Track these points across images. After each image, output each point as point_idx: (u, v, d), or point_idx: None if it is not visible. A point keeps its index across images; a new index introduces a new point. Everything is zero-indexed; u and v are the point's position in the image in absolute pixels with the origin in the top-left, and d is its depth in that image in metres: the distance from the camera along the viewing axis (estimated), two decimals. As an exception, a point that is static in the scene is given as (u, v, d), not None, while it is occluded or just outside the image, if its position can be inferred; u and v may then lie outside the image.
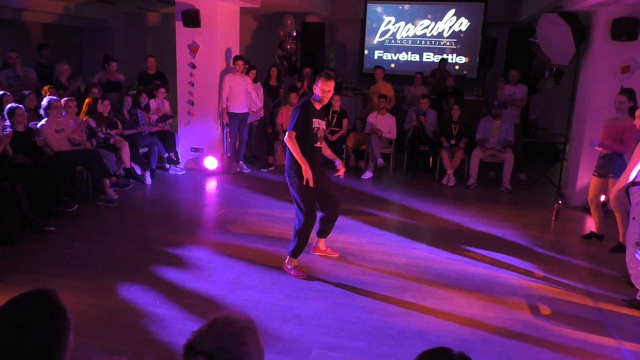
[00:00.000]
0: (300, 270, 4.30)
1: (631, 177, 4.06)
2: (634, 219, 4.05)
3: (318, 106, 4.20)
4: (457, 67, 11.79)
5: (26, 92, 6.51)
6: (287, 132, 4.08)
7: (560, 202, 6.15)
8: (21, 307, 1.29)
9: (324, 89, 4.10)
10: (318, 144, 4.24)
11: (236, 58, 7.41)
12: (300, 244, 4.26)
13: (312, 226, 4.27)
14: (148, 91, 7.70)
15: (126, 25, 12.90)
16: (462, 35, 11.83)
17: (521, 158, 8.01)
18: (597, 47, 6.21)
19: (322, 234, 4.69)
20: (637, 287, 3.99)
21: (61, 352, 1.31)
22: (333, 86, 4.16)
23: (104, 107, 6.59)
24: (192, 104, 7.63)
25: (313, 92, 4.22)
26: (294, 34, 9.95)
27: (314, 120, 4.14)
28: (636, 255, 3.95)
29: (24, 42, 11.00)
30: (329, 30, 12.01)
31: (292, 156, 4.08)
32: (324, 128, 4.33)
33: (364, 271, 4.43)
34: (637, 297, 4.00)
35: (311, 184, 4.03)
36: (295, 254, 4.31)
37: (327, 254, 4.72)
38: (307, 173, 4.00)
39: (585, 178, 6.48)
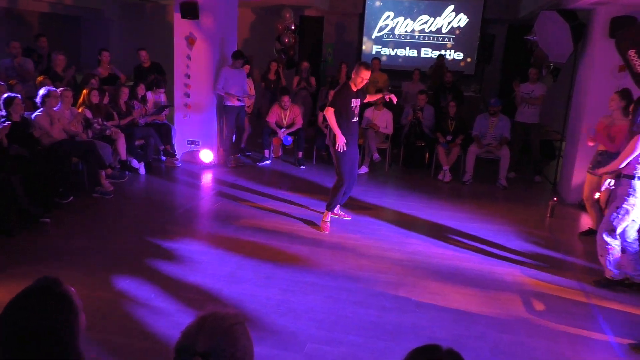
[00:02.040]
0: (327, 226, 5.22)
1: (622, 165, 4.09)
2: (617, 207, 4.09)
3: (354, 88, 5.04)
4: (462, 63, 11.79)
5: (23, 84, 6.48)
6: (326, 108, 5.04)
7: (555, 199, 6.18)
8: (30, 299, 1.35)
9: (363, 78, 4.98)
10: (355, 120, 5.11)
11: (237, 55, 7.36)
12: (332, 201, 5.26)
13: (342, 188, 5.19)
14: (146, 83, 7.65)
15: (124, 16, 12.81)
16: (460, 31, 11.83)
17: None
18: (596, 45, 6.22)
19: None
20: (606, 267, 4.21)
21: (73, 336, 1.37)
22: (369, 75, 5.02)
23: (101, 99, 6.56)
24: (188, 96, 7.60)
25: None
26: (292, 27, 9.92)
27: (352, 100, 5.02)
28: (606, 240, 4.13)
29: (20, 31, 10.92)
30: (327, 24, 11.97)
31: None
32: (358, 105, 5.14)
33: (359, 266, 4.45)
34: (606, 276, 4.24)
35: (344, 148, 4.99)
36: (329, 207, 5.29)
37: (340, 216, 5.57)
38: (340, 139, 4.96)
39: (580, 175, 6.50)
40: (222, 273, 4.18)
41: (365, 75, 4.97)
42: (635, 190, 4.01)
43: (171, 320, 3.44)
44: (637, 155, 3.98)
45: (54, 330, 1.32)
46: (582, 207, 6.34)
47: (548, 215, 6.02)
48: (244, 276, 4.15)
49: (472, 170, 7.37)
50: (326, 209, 5.30)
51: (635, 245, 4.18)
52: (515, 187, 7.31)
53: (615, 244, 4.13)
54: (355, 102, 5.07)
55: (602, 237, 4.16)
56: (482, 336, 3.45)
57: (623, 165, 4.05)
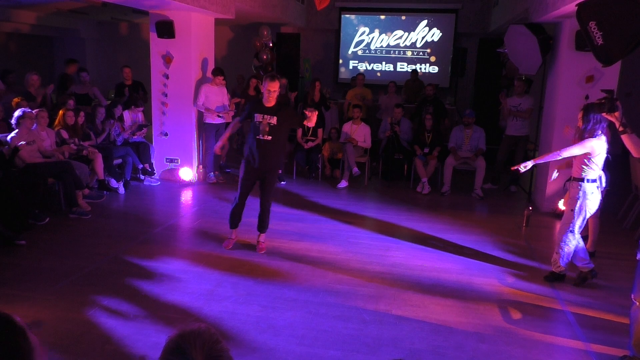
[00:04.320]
0: (230, 242, 5.15)
1: (560, 157, 4.33)
2: (572, 210, 4.32)
3: (266, 103, 4.75)
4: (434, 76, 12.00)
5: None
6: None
7: (530, 208, 6.31)
8: None
9: (269, 89, 4.68)
10: (260, 137, 4.73)
11: (216, 72, 7.40)
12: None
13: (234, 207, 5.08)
14: (123, 102, 7.64)
15: (99, 35, 12.78)
16: (434, 45, 12.07)
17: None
18: (563, 57, 6.42)
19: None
20: (558, 262, 4.46)
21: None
22: (277, 86, 4.71)
23: (76, 119, 6.52)
24: (165, 114, 7.59)
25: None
26: (270, 44, 10.01)
27: (256, 115, 4.74)
28: (565, 239, 4.38)
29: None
30: (304, 40, 12.11)
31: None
32: (271, 123, 4.73)
33: (339, 280, 4.47)
34: (554, 270, 4.53)
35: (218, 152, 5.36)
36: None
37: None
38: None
39: (554, 184, 6.66)
40: (201, 291, 4.16)
41: (271, 87, 4.66)
42: (584, 191, 4.24)
43: (150, 340, 3.41)
44: (582, 158, 4.19)
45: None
46: (556, 215, 6.49)
47: (524, 225, 6.13)
48: (224, 293, 4.14)
49: (449, 182, 7.50)
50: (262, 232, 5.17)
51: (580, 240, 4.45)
52: (491, 197, 7.44)
53: (572, 243, 4.39)
54: (259, 117, 4.73)
55: (561, 236, 4.41)
56: (460, 346, 3.49)
57: (562, 156, 4.28)
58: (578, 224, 4.33)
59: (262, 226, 5.11)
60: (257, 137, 4.72)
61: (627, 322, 3.38)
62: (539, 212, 6.70)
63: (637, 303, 3.19)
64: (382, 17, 12.18)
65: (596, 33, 3.95)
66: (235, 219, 5.11)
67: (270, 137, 4.71)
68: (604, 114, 4.02)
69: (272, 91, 4.67)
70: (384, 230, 5.85)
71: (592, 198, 4.25)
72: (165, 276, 4.42)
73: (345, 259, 4.94)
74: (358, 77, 9.67)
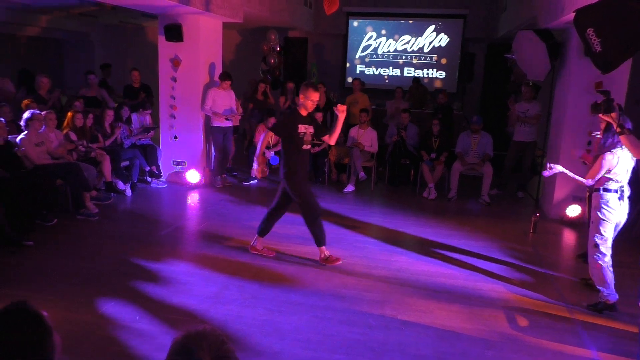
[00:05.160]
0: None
1: (590, 182, 4.18)
2: (592, 222, 4.20)
3: (304, 112, 4.65)
4: (439, 82, 11.98)
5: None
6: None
7: (537, 214, 6.27)
8: (3, 321, 1.35)
9: (313, 99, 4.60)
10: (306, 147, 4.66)
11: (224, 77, 7.43)
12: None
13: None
14: (131, 105, 7.69)
15: (108, 38, 12.87)
16: (441, 50, 12.06)
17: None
18: (572, 63, 6.39)
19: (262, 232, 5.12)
20: (599, 287, 4.17)
21: (47, 357, 1.37)
22: (317, 97, 4.64)
23: (85, 121, 6.57)
24: (174, 117, 7.63)
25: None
26: (277, 48, 10.04)
27: (299, 126, 4.58)
28: (595, 257, 4.13)
29: (3, 54, 10.91)
30: (311, 45, 12.14)
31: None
32: (311, 132, 4.69)
33: (345, 284, 4.46)
34: (600, 299, 4.16)
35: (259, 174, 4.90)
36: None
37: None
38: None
39: (561, 191, 6.63)
40: (207, 294, 4.16)
41: (315, 97, 4.60)
42: (605, 202, 4.10)
43: (155, 342, 3.41)
44: (604, 171, 4.10)
45: (29, 351, 1.32)
46: (563, 222, 6.45)
47: (531, 231, 6.09)
48: (230, 296, 4.13)
49: (456, 187, 7.47)
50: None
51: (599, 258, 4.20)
52: (498, 203, 7.41)
53: (606, 260, 4.12)
54: (303, 129, 4.61)
55: (592, 257, 4.18)
56: (466, 353, 3.47)
57: (591, 182, 4.15)
58: (606, 235, 4.11)
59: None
60: (303, 148, 4.63)
61: (636, 330, 3.34)
62: (546, 219, 6.66)
63: None
64: (389, 22, 12.19)
65: (594, 40, 3.94)
66: (324, 232, 4.88)
67: (309, 147, 4.75)
68: (600, 115, 4.00)
69: (315, 101, 4.63)
70: (390, 235, 5.84)
71: (615, 207, 4.09)
72: (170, 278, 4.43)
73: (351, 263, 4.93)
74: (354, 83, 9.60)
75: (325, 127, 4.93)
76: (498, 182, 7.87)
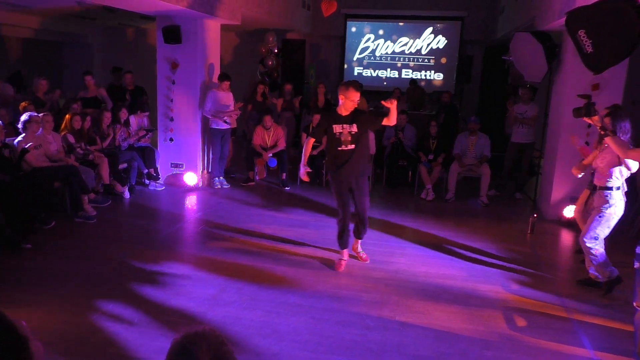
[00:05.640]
0: (341, 263, 4.85)
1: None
2: (600, 217, 4.26)
3: (343, 112, 4.55)
4: (437, 83, 12.01)
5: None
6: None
7: (535, 215, 6.28)
8: None
9: (352, 99, 4.49)
10: (344, 148, 4.56)
11: (223, 77, 7.44)
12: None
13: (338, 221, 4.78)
14: (127, 107, 7.68)
15: (106, 41, 12.88)
16: (439, 52, 12.09)
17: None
18: (569, 65, 6.41)
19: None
20: (601, 272, 4.35)
21: None
22: (358, 97, 4.52)
23: (83, 123, 6.57)
24: (172, 119, 7.63)
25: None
26: (275, 50, 10.06)
27: (334, 126, 4.55)
28: (592, 249, 4.31)
29: (1, 56, 10.90)
30: (309, 46, 12.16)
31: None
32: (352, 131, 4.57)
33: (343, 286, 4.46)
34: (609, 279, 4.36)
35: (305, 178, 4.79)
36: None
37: (357, 256, 5.08)
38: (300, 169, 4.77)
39: (559, 192, 6.65)
40: (205, 296, 4.16)
41: (355, 96, 4.49)
42: (612, 198, 4.19)
43: (154, 344, 3.41)
44: (610, 167, 4.14)
45: None
46: (561, 222, 6.47)
47: (529, 232, 6.11)
48: (228, 298, 4.13)
49: (454, 189, 7.48)
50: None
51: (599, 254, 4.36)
52: (496, 204, 7.42)
53: (600, 251, 4.31)
54: (339, 128, 4.56)
55: (586, 245, 4.32)
56: (464, 353, 3.47)
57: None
58: (604, 232, 4.27)
59: (359, 232, 4.97)
60: (339, 148, 4.56)
61: (632, 329, 3.36)
62: (544, 219, 6.67)
63: None
64: (387, 24, 12.22)
65: (585, 41, 3.99)
66: (344, 238, 4.82)
67: (353, 146, 4.57)
68: (584, 119, 4.05)
69: (356, 101, 4.52)
70: (388, 237, 5.84)
71: (619, 205, 4.22)
72: (169, 280, 4.43)
73: (349, 264, 4.93)
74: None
75: (378, 113, 4.77)
76: (496, 183, 7.88)
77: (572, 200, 6.47)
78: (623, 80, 6.16)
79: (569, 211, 6.43)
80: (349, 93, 4.46)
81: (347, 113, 4.54)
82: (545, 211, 6.91)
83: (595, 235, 4.28)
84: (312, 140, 4.72)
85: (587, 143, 5.95)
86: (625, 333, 3.79)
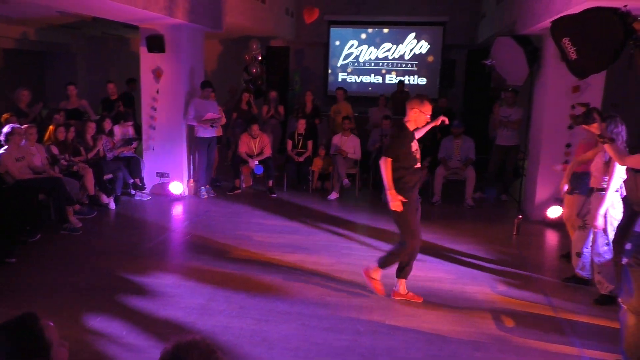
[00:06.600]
0: (410, 295, 4.34)
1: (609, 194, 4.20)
2: (600, 231, 4.25)
3: (412, 127, 4.22)
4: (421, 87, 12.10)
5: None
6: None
7: (520, 216, 6.35)
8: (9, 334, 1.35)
9: (428, 113, 4.16)
10: (418, 166, 4.24)
11: (205, 85, 7.43)
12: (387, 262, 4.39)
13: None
14: (112, 117, 7.63)
15: (90, 50, 12.78)
16: (422, 57, 12.21)
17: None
18: (549, 68, 6.52)
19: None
20: (605, 282, 4.31)
21: None
22: (431, 110, 4.17)
23: (67, 134, 6.51)
24: (154, 128, 7.57)
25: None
26: (260, 57, 10.07)
27: (412, 144, 4.18)
28: (607, 256, 4.28)
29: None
30: (293, 53, 12.19)
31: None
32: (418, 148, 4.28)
33: (332, 291, 4.46)
34: (603, 292, 4.34)
35: (400, 208, 4.18)
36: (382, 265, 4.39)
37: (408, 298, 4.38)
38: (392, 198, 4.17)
39: (543, 193, 6.75)
40: (194, 305, 4.14)
41: (429, 110, 4.16)
42: (614, 201, 4.19)
43: (143, 357, 3.38)
44: (605, 168, 4.20)
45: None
46: (546, 223, 6.55)
47: (514, 233, 6.18)
48: (217, 307, 4.11)
49: (440, 192, 7.54)
50: (379, 266, 4.41)
51: (608, 255, 4.32)
52: (482, 207, 7.49)
53: (609, 256, 4.29)
54: (416, 146, 4.25)
55: (597, 259, 4.30)
56: (455, 355, 3.50)
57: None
58: (611, 235, 4.26)
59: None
60: (416, 166, 4.21)
61: (619, 326, 3.41)
62: (529, 221, 6.75)
63: (625, 307, 3.22)
64: (370, 30, 12.31)
65: (570, 48, 4.07)
66: (410, 268, 4.39)
67: (420, 164, 4.31)
68: (583, 126, 4.10)
69: (429, 115, 4.19)
70: (376, 241, 5.86)
71: (617, 207, 4.23)
72: (157, 291, 4.39)
73: (339, 270, 4.94)
74: (337, 92, 9.60)
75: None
76: (480, 185, 7.96)
77: (555, 201, 6.57)
78: (602, 83, 6.28)
79: (553, 212, 6.52)
80: (424, 107, 4.13)
81: (414, 128, 4.24)
82: (530, 212, 7.00)
83: (606, 241, 4.27)
84: (390, 160, 4.12)
85: (566, 162, 6.06)
86: (612, 330, 3.85)
